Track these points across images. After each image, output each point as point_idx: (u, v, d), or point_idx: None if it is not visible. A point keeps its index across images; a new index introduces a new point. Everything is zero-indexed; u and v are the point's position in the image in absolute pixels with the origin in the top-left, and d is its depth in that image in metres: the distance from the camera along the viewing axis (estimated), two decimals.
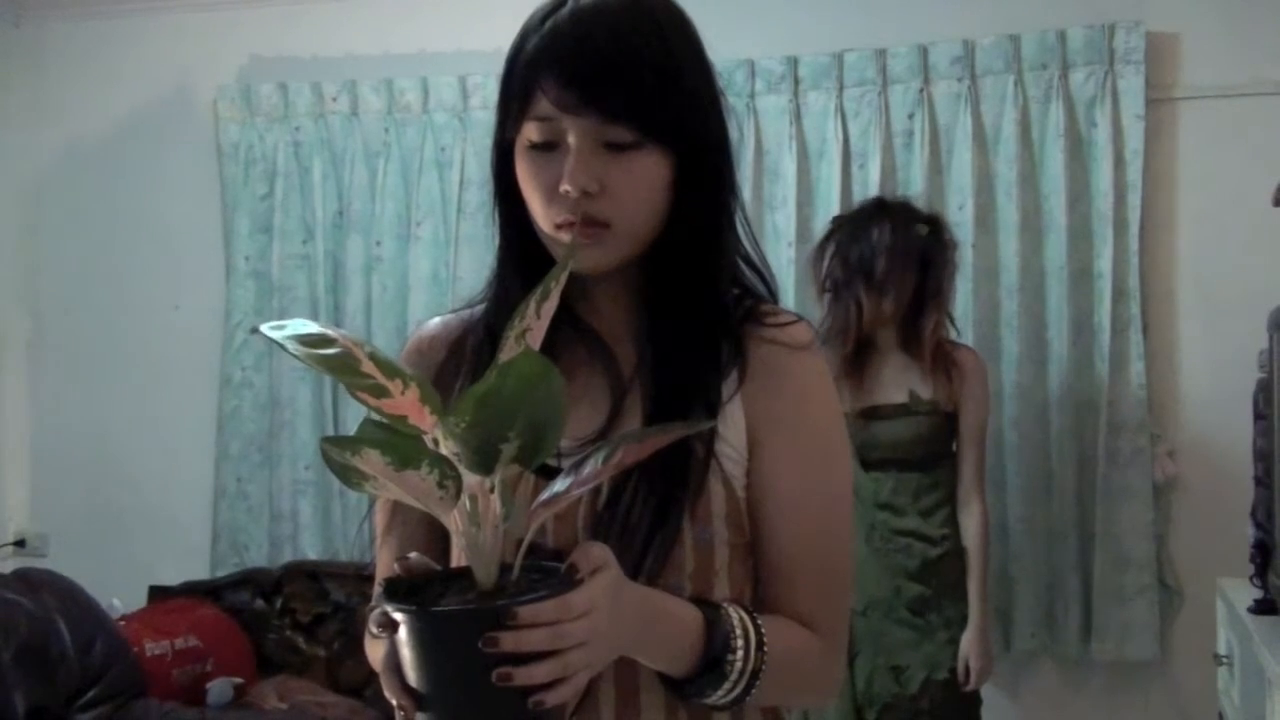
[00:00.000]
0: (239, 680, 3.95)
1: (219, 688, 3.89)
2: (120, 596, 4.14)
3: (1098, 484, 3.77)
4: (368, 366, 1.03)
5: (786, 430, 1.33)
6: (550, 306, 1.09)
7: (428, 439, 1.04)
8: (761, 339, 1.35)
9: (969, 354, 3.43)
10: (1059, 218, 3.82)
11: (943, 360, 3.34)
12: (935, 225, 3.39)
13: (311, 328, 1.06)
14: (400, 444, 0.99)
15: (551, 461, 1.21)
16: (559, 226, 1.27)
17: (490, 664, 1.01)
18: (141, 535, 4.64)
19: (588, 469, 1.07)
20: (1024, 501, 3.82)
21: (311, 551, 4.41)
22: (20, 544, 4.78)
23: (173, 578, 4.34)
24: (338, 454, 0.98)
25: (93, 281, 4.77)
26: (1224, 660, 3.31)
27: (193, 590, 4.28)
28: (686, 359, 1.32)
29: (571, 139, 1.25)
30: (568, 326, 1.33)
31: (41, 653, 3.56)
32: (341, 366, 1.02)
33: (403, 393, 1.03)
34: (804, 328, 1.38)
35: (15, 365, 4.84)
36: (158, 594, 4.29)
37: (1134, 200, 3.78)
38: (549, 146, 1.27)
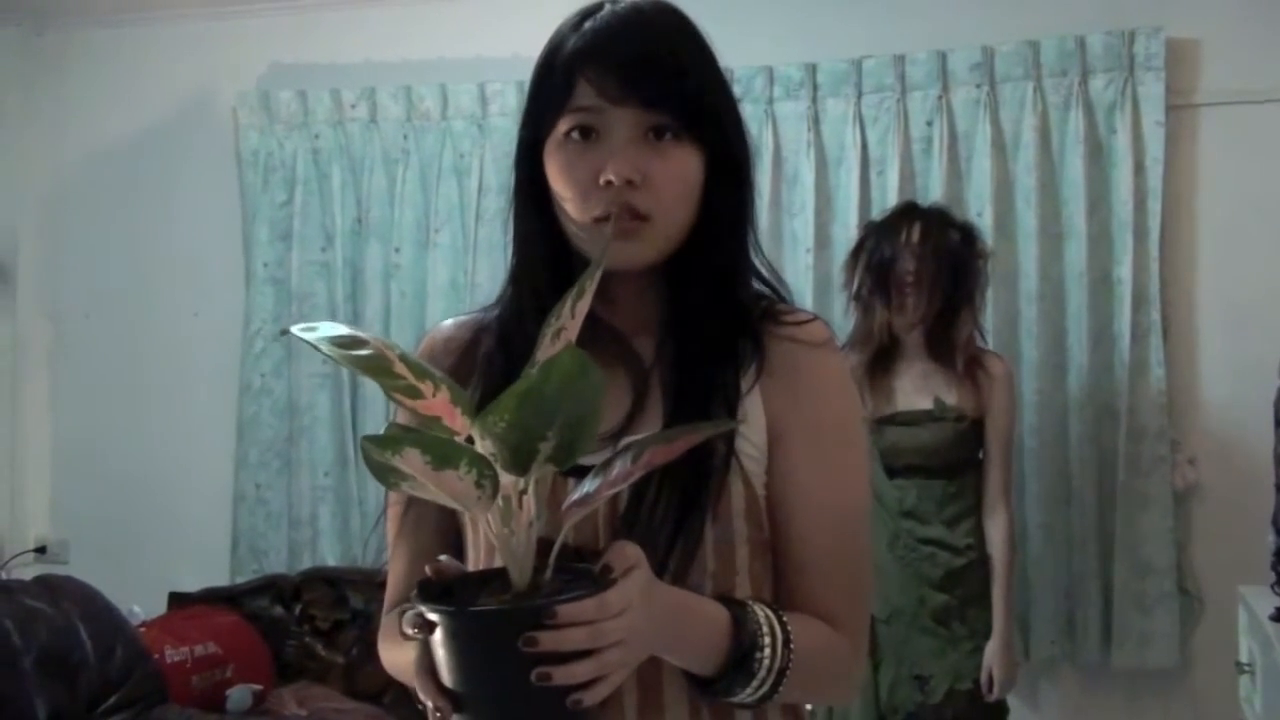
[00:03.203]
0: (258, 687, 3.95)
1: (238, 694, 3.89)
2: (140, 603, 4.15)
3: (1117, 491, 3.76)
4: (400, 367, 1.04)
5: (805, 427, 1.34)
6: (584, 306, 1.11)
7: (459, 440, 1.05)
8: (780, 337, 1.37)
9: (999, 361, 3.37)
10: (1079, 224, 3.81)
11: (972, 367, 3.30)
12: (968, 233, 3.36)
13: (342, 330, 1.07)
14: (440, 444, 1.00)
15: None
16: (598, 220, 1.28)
17: (529, 664, 1.01)
18: (161, 542, 4.65)
19: (617, 469, 1.08)
20: (1043, 508, 3.80)
21: (330, 558, 4.42)
22: (41, 550, 4.80)
23: (192, 584, 4.35)
24: (378, 453, 0.99)
25: (113, 288, 4.79)
26: (1246, 668, 3.29)
27: (212, 597, 4.28)
28: (707, 357, 1.34)
29: (613, 130, 1.28)
30: (586, 323, 1.34)
31: (62, 659, 3.57)
32: (376, 368, 1.03)
33: (434, 394, 1.05)
34: (821, 325, 1.40)
35: (36, 371, 4.86)
36: (177, 600, 4.29)
37: (1154, 206, 3.77)
38: (584, 134, 1.29)
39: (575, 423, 1.01)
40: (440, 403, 1.04)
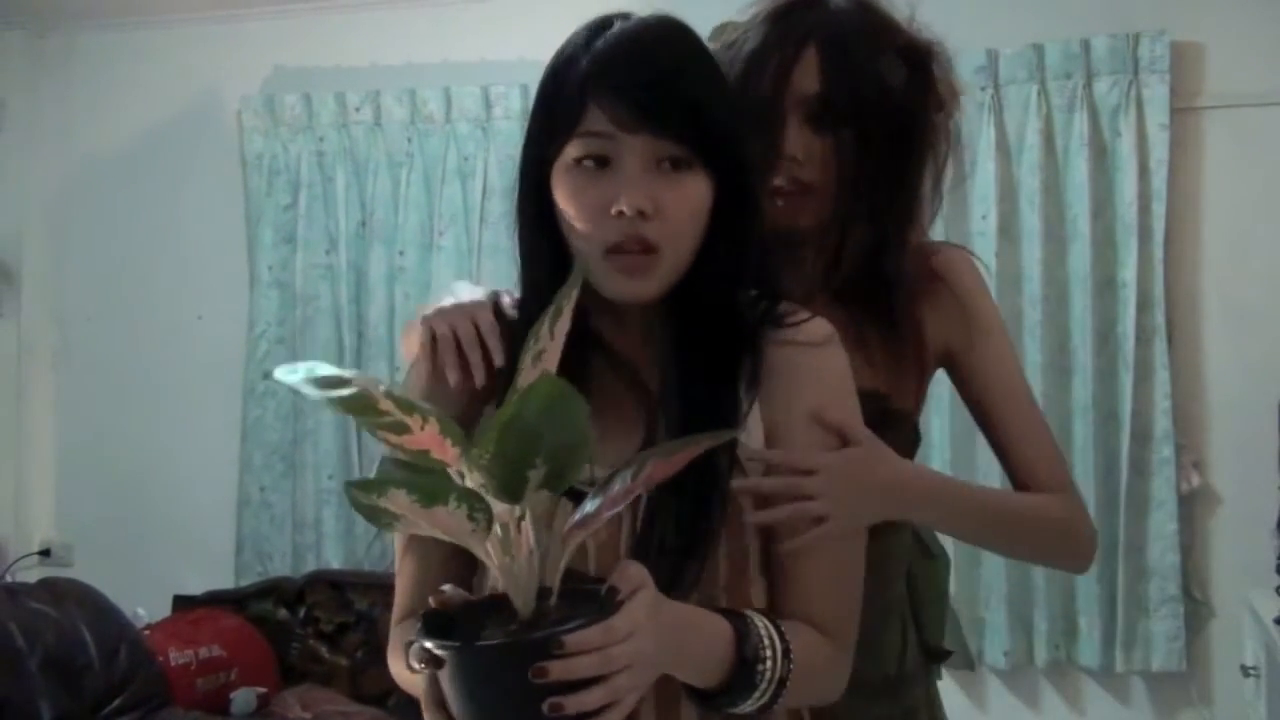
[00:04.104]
0: (262, 690, 3.96)
1: (242, 697, 3.90)
2: (144, 606, 4.16)
3: (1122, 495, 3.75)
4: (385, 404, 1.03)
5: (803, 427, 1.34)
6: (563, 325, 1.09)
7: (453, 472, 1.04)
8: (779, 342, 1.35)
9: (953, 255, 1.76)
10: (1083, 227, 3.80)
11: (908, 291, 1.64)
12: (917, 60, 1.69)
13: (326, 370, 1.05)
14: (426, 481, 0.99)
15: (588, 488, 1.21)
16: (609, 250, 1.26)
17: (540, 694, 1.01)
18: (166, 545, 4.65)
19: (616, 487, 1.07)
20: None
21: (334, 561, 4.42)
22: (46, 554, 4.80)
23: (196, 587, 4.36)
24: (364, 497, 0.99)
25: (117, 291, 4.79)
26: (1251, 672, 3.29)
27: (216, 600, 4.29)
28: (712, 383, 1.33)
29: (626, 158, 1.25)
30: (598, 354, 1.34)
31: (67, 662, 3.58)
32: (360, 407, 1.02)
33: (422, 427, 1.03)
34: (821, 323, 1.38)
35: (41, 374, 4.86)
36: (182, 603, 4.30)
37: (1158, 209, 3.76)
38: (598, 164, 1.26)
39: (563, 448, 1.00)
40: (429, 435, 1.03)
